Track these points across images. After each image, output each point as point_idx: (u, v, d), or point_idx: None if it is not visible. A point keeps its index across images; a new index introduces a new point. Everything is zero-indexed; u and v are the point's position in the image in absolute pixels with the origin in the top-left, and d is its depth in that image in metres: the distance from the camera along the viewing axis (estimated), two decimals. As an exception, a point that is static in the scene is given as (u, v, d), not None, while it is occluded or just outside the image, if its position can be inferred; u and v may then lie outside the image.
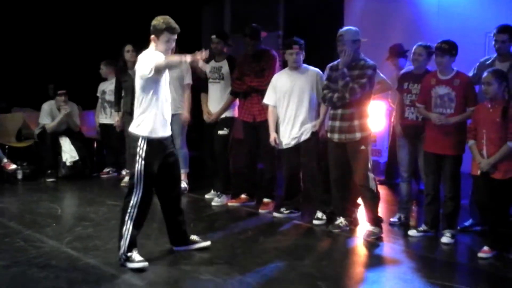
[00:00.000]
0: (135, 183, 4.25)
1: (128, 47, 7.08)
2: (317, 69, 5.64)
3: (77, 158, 7.72)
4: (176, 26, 4.31)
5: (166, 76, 4.41)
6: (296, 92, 5.58)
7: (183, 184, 6.85)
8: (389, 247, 4.97)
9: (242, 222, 5.66)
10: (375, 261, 4.68)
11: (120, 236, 4.25)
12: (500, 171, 4.58)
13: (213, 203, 6.29)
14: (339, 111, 5.17)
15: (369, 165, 5.13)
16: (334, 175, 5.32)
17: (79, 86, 8.28)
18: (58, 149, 7.77)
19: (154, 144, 4.28)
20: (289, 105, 5.62)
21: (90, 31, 9.05)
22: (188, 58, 4.10)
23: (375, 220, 5.19)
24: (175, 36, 4.33)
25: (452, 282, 4.12)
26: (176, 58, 4.21)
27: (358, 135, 5.12)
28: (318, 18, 8.77)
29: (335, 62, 5.26)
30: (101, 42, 8.61)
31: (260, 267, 4.33)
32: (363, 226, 5.34)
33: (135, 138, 4.29)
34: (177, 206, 4.62)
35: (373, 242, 5.03)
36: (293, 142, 5.64)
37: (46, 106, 7.89)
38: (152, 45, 4.33)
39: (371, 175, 5.13)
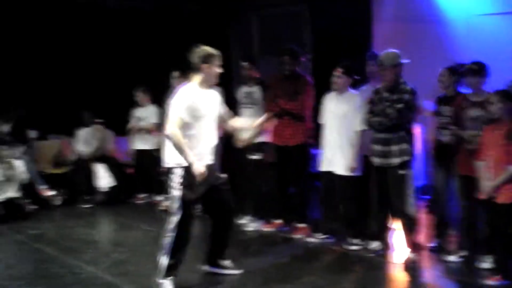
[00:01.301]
0: (173, 209, 4.32)
1: (176, 73, 6.99)
2: (358, 94, 5.56)
3: (112, 184, 7.82)
4: (216, 52, 4.42)
5: (204, 113, 4.42)
6: (340, 117, 5.54)
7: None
8: (428, 273, 4.88)
9: (277, 248, 5.64)
10: (413, 286, 4.59)
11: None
12: (503, 195, 4.46)
13: (247, 228, 6.28)
14: (382, 135, 5.13)
15: (409, 190, 5.07)
16: (375, 198, 5.26)
17: (112, 112, 8.39)
18: (94, 176, 7.89)
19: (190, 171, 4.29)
20: (334, 129, 5.60)
21: (121, 57, 9.19)
22: (196, 167, 4.21)
23: (413, 245, 5.12)
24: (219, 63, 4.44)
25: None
26: (188, 154, 4.23)
27: (397, 160, 5.07)
28: (347, 38, 8.75)
29: (378, 86, 5.24)
30: (131, 68, 8.74)
31: (295, 292, 4.31)
32: (399, 251, 5.27)
33: (171, 168, 4.36)
34: (227, 223, 4.73)
35: (411, 268, 4.95)
36: (334, 169, 5.58)
37: (82, 133, 8.04)
38: (198, 76, 4.40)
39: (410, 200, 5.07)
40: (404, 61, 5.12)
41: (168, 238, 4.28)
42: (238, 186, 6.73)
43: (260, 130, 6.32)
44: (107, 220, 7.28)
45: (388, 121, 5.01)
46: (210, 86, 4.48)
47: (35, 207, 7.37)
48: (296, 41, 8.08)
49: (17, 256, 5.48)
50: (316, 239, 5.75)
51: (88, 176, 7.88)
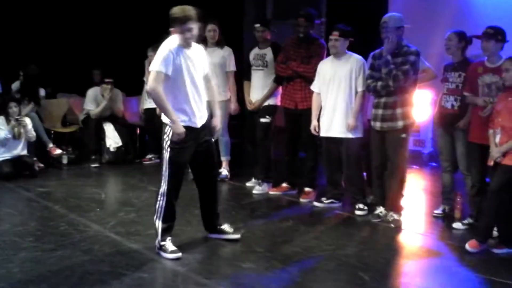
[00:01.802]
0: (163, 172, 4.26)
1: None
2: (360, 57, 5.52)
3: (120, 144, 7.83)
4: (192, 13, 4.17)
5: (187, 71, 4.22)
6: (336, 80, 5.49)
7: (224, 172, 6.89)
8: (433, 240, 4.88)
9: (283, 211, 5.64)
10: (418, 253, 4.59)
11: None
12: (507, 158, 4.39)
13: (254, 191, 6.28)
14: (383, 99, 5.12)
15: (406, 155, 5.08)
16: (376, 162, 5.28)
17: (123, 72, 8.35)
18: (102, 135, 7.89)
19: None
20: (330, 93, 5.55)
21: (134, 16, 9.11)
22: (176, 126, 4.14)
23: (398, 207, 5.22)
24: (190, 26, 4.16)
25: (498, 276, 4.01)
26: (169, 111, 4.15)
27: (400, 123, 5.07)
28: (362, 5, 8.62)
29: (378, 50, 5.19)
30: (143, 27, 8.65)
31: (301, 256, 4.31)
32: (407, 216, 5.29)
33: (164, 126, 4.27)
34: (211, 193, 4.60)
35: (416, 235, 4.96)
36: (332, 134, 5.56)
37: (91, 92, 8.01)
38: (174, 36, 4.22)
39: (405, 166, 5.14)
40: (407, 25, 5.07)
41: (159, 202, 4.25)
42: (248, 149, 6.74)
43: (270, 94, 6.32)
44: (115, 180, 7.31)
45: (395, 84, 4.95)
46: (190, 44, 4.26)
47: (43, 165, 7.41)
48: (311, 6, 7.95)
49: (25, 213, 5.53)
50: (322, 203, 5.75)
51: (97, 135, 7.88)
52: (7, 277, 3.81)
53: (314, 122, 5.67)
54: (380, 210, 5.29)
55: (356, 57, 5.51)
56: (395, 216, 5.18)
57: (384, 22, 5.06)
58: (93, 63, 8.70)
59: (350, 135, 5.46)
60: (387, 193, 5.25)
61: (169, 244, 4.24)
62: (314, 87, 5.70)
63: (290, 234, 4.85)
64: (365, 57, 5.53)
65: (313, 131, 5.68)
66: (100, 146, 7.89)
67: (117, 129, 7.90)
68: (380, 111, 5.13)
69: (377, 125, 5.18)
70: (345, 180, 5.74)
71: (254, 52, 6.48)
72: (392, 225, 5.11)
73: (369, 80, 5.19)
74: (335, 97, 5.50)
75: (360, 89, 5.43)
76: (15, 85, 7.98)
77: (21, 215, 5.41)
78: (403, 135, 5.10)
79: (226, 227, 4.66)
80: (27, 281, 3.75)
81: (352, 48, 5.65)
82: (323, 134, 5.63)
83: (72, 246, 4.42)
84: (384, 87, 5.02)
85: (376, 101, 5.20)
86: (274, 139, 6.42)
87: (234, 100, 6.71)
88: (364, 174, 5.69)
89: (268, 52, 6.37)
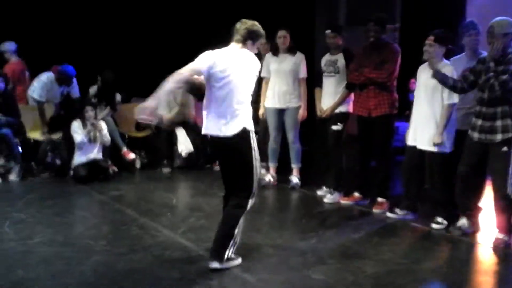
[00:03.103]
0: (250, 182, 4.13)
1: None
2: (451, 66, 5.20)
3: (192, 149, 7.88)
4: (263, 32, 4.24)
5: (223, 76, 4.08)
6: (427, 89, 5.24)
7: (295, 179, 6.81)
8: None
9: (355, 221, 5.49)
10: (502, 271, 4.32)
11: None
12: None
13: (325, 200, 6.16)
14: (483, 109, 4.82)
15: (510, 170, 4.76)
16: (463, 172, 4.97)
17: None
18: (174, 140, 7.97)
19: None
20: (419, 102, 5.33)
21: (211, 19, 9.18)
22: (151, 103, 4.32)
23: (506, 228, 4.83)
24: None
25: None
26: (160, 93, 4.30)
27: (499, 136, 4.76)
28: (437, 10, 8.35)
29: (485, 54, 4.90)
30: (217, 31, 8.70)
31: (374, 269, 4.16)
32: (488, 232, 5.00)
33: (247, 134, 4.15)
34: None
35: (502, 251, 4.67)
36: (416, 144, 5.33)
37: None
38: (237, 45, 4.18)
39: (510, 180, 4.76)
40: None
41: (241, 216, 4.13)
42: (319, 157, 6.63)
43: (342, 100, 6.19)
44: (186, 185, 7.37)
45: (490, 94, 4.70)
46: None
47: (117, 169, 7.56)
48: (385, 11, 7.79)
49: (99, 216, 5.64)
50: (395, 215, 5.55)
51: (169, 140, 7.97)
52: (80, 280, 3.88)
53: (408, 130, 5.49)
54: (463, 221, 5.03)
55: (447, 67, 5.19)
56: (503, 238, 4.80)
57: (490, 27, 4.76)
58: (168, 67, 8.81)
59: (434, 149, 5.22)
60: (497, 213, 4.89)
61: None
62: (415, 93, 5.50)
63: (362, 246, 4.71)
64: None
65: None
66: (172, 151, 7.98)
67: (188, 134, 7.96)
68: (479, 122, 4.84)
69: (475, 135, 4.87)
70: (428, 193, 5.48)
71: (326, 58, 6.38)
72: (501, 246, 4.75)
73: (463, 82, 4.95)
74: (423, 106, 5.28)
75: (446, 102, 5.15)
76: (92, 90, 8.19)
77: (94, 218, 5.52)
78: (504, 149, 4.74)
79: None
80: (99, 285, 3.80)
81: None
82: (410, 142, 5.41)
83: (143, 251, 4.46)
84: (481, 97, 4.79)
85: (476, 109, 4.91)
86: (346, 147, 6.27)
87: (305, 106, 6.63)
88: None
89: (340, 58, 6.25)
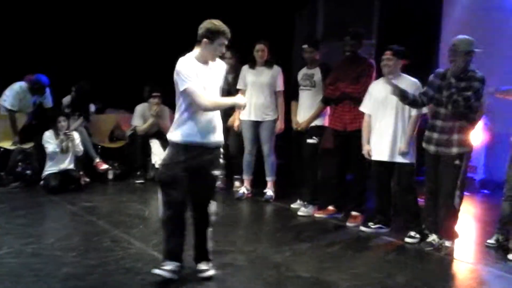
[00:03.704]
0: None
1: (227, 54, 6.69)
2: (415, 80, 5.33)
3: (166, 161, 7.80)
4: (223, 29, 3.95)
5: (205, 85, 3.97)
6: (389, 102, 5.30)
7: (270, 192, 6.78)
8: (486, 271, 4.64)
9: (329, 235, 5.47)
10: (471, 284, 4.35)
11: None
12: None
13: (299, 213, 6.14)
14: (439, 123, 4.91)
15: (458, 182, 4.86)
16: (429, 188, 5.07)
17: (171, 89, 8.35)
18: (148, 151, 7.89)
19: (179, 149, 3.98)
20: (382, 116, 5.38)
21: (184, 33, 9.15)
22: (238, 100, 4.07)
23: (451, 235, 5.01)
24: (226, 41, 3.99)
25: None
26: (227, 101, 4.14)
27: (454, 150, 4.85)
28: (414, 26, 8.46)
29: (442, 70, 5.00)
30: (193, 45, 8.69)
31: (348, 283, 4.13)
32: (461, 247, 5.05)
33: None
34: (204, 218, 4.17)
35: (469, 265, 4.72)
36: (382, 158, 5.37)
37: (139, 108, 8.04)
38: (199, 49, 3.99)
39: (457, 192, 4.88)
40: (478, 49, 4.83)
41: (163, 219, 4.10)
42: (295, 170, 6.62)
43: (318, 114, 6.20)
44: (158, 197, 7.25)
45: (453, 109, 4.76)
46: (207, 61, 4.02)
47: (89, 179, 7.44)
48: (362, 26, 7.87)
49: (70, 228, 5.52)
50: (369, 228, 5.55)
51: (143, 151, 7.89)
52: (49, 292, 3.77)
53: (366, 146, 5.49)
54: (433, 238, 5.07)
55: (410, 80, 5.32)
56: (448, 244, 4.96)
57: (453, 45, 4.82)
58: (143, 79, 8.75)
59: (401, 160, 5.27)
60: (441, 220, 5.02)
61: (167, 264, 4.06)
62: (364, 108, 5.54)
63: (336, 260, 4.68)
64: (419, 79, 5.35)
65: (366, 155, 5.50)
66: (146, 163, 7.90)
67: (163, 145, 7.88)
68: (435, 135, 4.94)
69: (431, 148, 4.98)
70: (397, 206, 5.51)
71: (303, 72, 6.39)
72: (443, 254, 4.88)
73: (422, 96, 4.99)
74: (387, 119, 5.33)
75: (414, 113, 5.24)
76: (66, 100, 8.08)
77: (65, 229, 5.41)
78: (457, 162, 4.86)
79: (203, 265, 4.17)
80: (68, 298, 3.71)
81: (405, 71, 5.48)
82: (375, 157, 5.44)
83: (115, 263, 4.37)
84: (444, 112, 4.85)
85: (431, 122, 5.02)
86: (322, 161, 6.27)
87: (282, 118, 6.62)
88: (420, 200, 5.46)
89: (317, 72, 6.27)
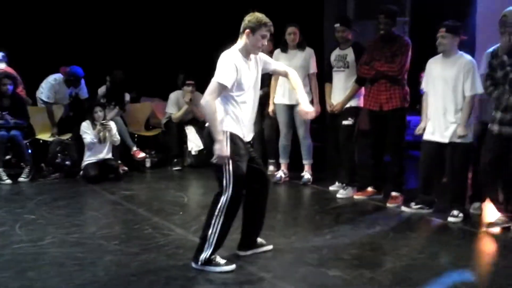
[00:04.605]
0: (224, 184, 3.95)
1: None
2: (470, 58, 5.14)
3: (202, 147, 7.82)
4: (266, 21, 3.90)
5: (246, 86, 3.93)
6: (442, 81, 5.16)
7: (307, 175, 6.75)
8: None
9: (369, 216, 5.42)
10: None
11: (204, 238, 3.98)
12: None
13: (338, 195, 6.09)
14: (502, 102, 4.72)
15: None
16: (488, 163, 4.84)
17: (206, 75, 8.34)
18: (184, 138, 7.93)
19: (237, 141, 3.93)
20: (435, 95, 5.24)
21: (220, 19, 9.12)
22: (219, 147, 3.78)
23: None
24: (269, 34, 3.93)
25: None
26: (217, 131, 3.79)
27: None
28: (448, 3, 8.25)
29: (495, 47, 4.80)
30: (228, 31, 8.64)
31: (391, 264, 4.08)
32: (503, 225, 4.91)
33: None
34: (261, 211, 4.23)
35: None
36: (435, 138, 5.24)
37: (173, 96, 8.07)
38: (242, 41, 3.93)
39: None
40: None
41: (218, 213, 3.95)
42: (331, 153, 6.56)
43: (352, 95, 6.11)
44: (197, 184, 7.32)
45: (509, 88, 4.58)
46: (250, 55, 3.98)
47: (127, 168, 7.51)
48: (395, 4, 7.73)
49: (110, 216, 5.59)
50: (410, 209, 5.47)
51: (179, 139, 7.92)
52: (93, 280, 3.81)
53: (422, 124, 5.39)
54: (498, 217, 4.91)
55: (466, 58, 5.13)
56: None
57: (503, 16, 4.63)
58: (177, 67, 8.76)
59: (456, 140, 5.14)
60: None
61: (219, 258, 3.99)
62: (423, 86, 5.43)
63: (378, 241, 4.63)
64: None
65: (416, 132, 5.41)
66: (182, 150, 7.93)
67: (198, 132, 7.91)
68: (499, 114, 4.75)
69: (495, 128, 4.79)
70: (448, 186, 5.37)
71: (335, 53, 6.30)
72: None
73: (488, 82, 4.83)
74: (441, 99, 5.20)
75: (468, 93, 5.07)
76: (101, 90, 8.16)
77: (106, 218, 5.47)
78: None
79: (260, 240, 4.32)
80: (112, 285, 3.74)
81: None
82: (427, 137, 5.32)
83: (156, 250, 4.40)
84: (502, 94, 4.68)
85: (496, 102, 4.82)
86: (358, 142, 6.21)
87: (317, 101, 6.55)
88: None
89: (350, 53, 6.17)
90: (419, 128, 5.38)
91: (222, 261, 3.97)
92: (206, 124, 4.00)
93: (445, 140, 5.16)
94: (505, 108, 4.70)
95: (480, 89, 5.01)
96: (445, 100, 5.16)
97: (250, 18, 3.92)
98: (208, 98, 3.80)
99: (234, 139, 3.92)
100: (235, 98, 3.92)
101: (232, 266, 3.96)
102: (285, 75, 4.26)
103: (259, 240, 4.33)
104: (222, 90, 3.83)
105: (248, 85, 3.94)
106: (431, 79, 5.29)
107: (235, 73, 3.84)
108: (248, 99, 3.98)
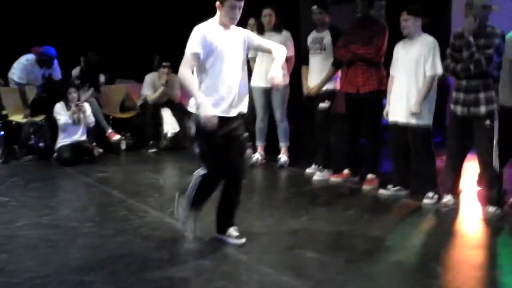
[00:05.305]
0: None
1: (251, 20, 6.70)
2: (431, 38, 5.18)
3: (178, 129, 7.78)
4: None
5: (224, 48, 3.85)
6: (406, 62, 5.20)
7: (284, 158, 6.75)
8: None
9: (345, 199, 5.45)
10: (494, 245, 4.30)
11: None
12: None
13: (314, 178, 6.11)
14: (464, 82, 4.80)
15: (494, 142, 4.74)
16: (453, 149, 4.99)
17: (181, 57, 8.27)
18: (159, 121, 7.87)
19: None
20: (398, 77, 5.28)
21: (196, 3, 9.03)
22: (204, 110, 3.69)
23: (496, 200, 4.82)
24: (241, 3, 3.83)
25: None
26: (197, 95, 3.72)
27: (483, 108, 4.73)
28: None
29: (459, 29, 4.86)
30: (204, 12, 8.57)
31: (367, 245, 4.10)
32: (476, 207, 4.99)
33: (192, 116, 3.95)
34: (235, 195, 4.11)
35: (494, 224, 4.64)
36: (397, 119, 5.29)
37: (148, 78, 7.99)
38: (217, 14, 3.89)
39: (495, 153, 4.74)
40: (494, 7, 4.72)
41: (191, 190, 4.03)
42: (307, 135, 6.57)
43: (329, 78, 6.11)
44: (172, 166, 7.28)
45: (476, 69, 4.64)
46: (227, 26, 3.89)
47: (102, 150, 7.44)
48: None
49: (84, 199, 5.54)
50: (386, 191, 5.50)
51: (154, 121, 7.86)
52: (67, 263, 3.77)
53: (387, 108, 5.42)
54: (448, 198, 5.02)
55: (427, 39, 5.18)
56: (496, 210, 4.79)
57: (469, 1, 4.71)
58: (152, 49, 8.66)
59: (415, 122, 5.18)
60: (485, 186, 4.94)
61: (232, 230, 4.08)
62: (391, 70, 5.44)
63: (354, 223, 4.65)
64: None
65: (385, 117, 5.43)
66: (158, 132, 7.88)
67: (174, 114, 7.86)
68: (461, 95, 4.82)
69: (458, 109, 4.85)
70: (414, 168, 5.41)
71: (312, 36, 6.28)
72: (494, 218, 4.74)
73: (448, 60, 4.89)
74: (403, 80, 5.23)
75: (428, 73, 5.11)
76: (75, 71, 8.04)
77: (80, 200, 5.42)
78: (488, 122, 4.74)
79: (232, 230, 4.14)
80: (87, 268, 3.70)
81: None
82: (391, 118, 5.36)
83: (132, 232, 4.37)
84: (464, 70, 4.72)
85: (456, 82, 4.90)
86: (334, 125, 6.21)
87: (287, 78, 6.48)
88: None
89: (326, 36, 6.16)
90: (385, 112, 5.41)
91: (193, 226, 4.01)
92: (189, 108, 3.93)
93: (406, 120, 5.20)
94: (467, 89, 4.80)
95: (440, 70, 5.06)
96: (408, 82, 5.19)
97: None
98: (181, 69, 3.76)
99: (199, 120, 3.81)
100: (209, 68, 3.82)
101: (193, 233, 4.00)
102: (269, 51, 4.11)
103: (231, 230, 4.13)
104: (194, 59, 3.77)
105: (224, 54, 3.84)
106: (395, 63, 5.33)
107: (205, 41, 3.77)
108: (226, 70, 3.84)
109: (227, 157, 3.92)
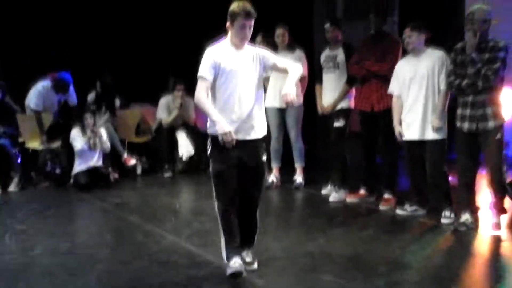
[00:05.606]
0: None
1: (259, 38, 6.58)
2: (442, 52, 5.16)
3: (193, 152, 7.78)
4: (252, 10, 3.80)
5: (236, 69, 3.83)
6: (418, 79, 5.17)
7: (299, 179, 6.72)
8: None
9: (362, 219, 5.41)
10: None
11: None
12: None
13: (330, 198, 6.07)
14: (470, 98, 4.76)
15: (502, 157, 4.70)
16: (463, 165, 4.92)
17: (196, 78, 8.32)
18: (174, 144, 7.88)
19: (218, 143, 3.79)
20: (411, 94, 5.23)
21: (207, 23, 9.08)
22: (220, 126, 3.68)
23: (499, 211, 4.85)
24: (251, 22, 3.83)
25: None
26: (212, 113, 3.73)
27: (491, 123, 4.69)
28: (436, 2, 8.28)
29: (460, 44, 4.83)
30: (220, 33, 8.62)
31: (385, 267, 4.04)
32: (491, 223, 4.92)
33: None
34: (249, 219, 4.06)
35: (510, 244, 4.58)
36: (414, 136, 5.24)
37: (163, 101, 8.03)
38: (228, 34, 3.90)
39: (504, 167, 4.70)
40: (494, 20, 4.72)
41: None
42: (322, 155, 6.54)
43: (343, 96, 6.08)
44: (188, 189, 7.29)
45: (484, 84, 4.60)
46: (239, 46, 3.87)
47: (118, 175, 7.47)
48: (382, 3, 7.73)
49: (102, 224, 5.55)
50: (404, 211, 5.44)
51: (169, 144, 7.88)
52: (85, 290, 3.77)
53: (397, 128, 5.36)
54: (466, 217, 4.92)
55: (437, 52, 5.16)
56: (498, 220, 4.85)
57: (470, 14, 4.70)
58: (167, 72, 8.71)
59: (433, 137, 5.13)
60: (494, 201, 4.90)
61: (233, 262, 3.85)
62: (392, 89, 5.40)
63: (371, 244, 4.60)
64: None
65: (398, 137, 5.38)
66: (173, 155, 7.89)
67: (189, 137, 7.87)
68: (468, 111, 4.79)
69: (465, 126, 4.82)
70: (430, 186, 5.36)
71: (325, 54, 6.29)
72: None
73: (451, 77, 4.85)
74: (417, 97, 5.18)
75: (443, 87, 5.08)
76: (91, 97, 8.11)
77: (97, 226, 5.43)
78: (497, 136, 4.70)
79: (245, 255, 4.03)
80: (104, 295, 3.70)
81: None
82: (407, 137, 5.30)
83: (148, 258, 4.35)
84: (470, 86, 4.69)
85: (462, 99, 4.86)
86: (350, 144, 6.17)
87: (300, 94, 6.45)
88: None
89: (340, 53, 6.15)
90: (398, 133, 5.35)
91: (232, 262, 3.83)
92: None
93: (422, 137, 5.17)
94: (472, 104, 4.77)
95: None
96: (425, 98, 5.14)
97: (229, 10, 3.86)
98: (196, 93, 3.79)
99: (214, 141, 3.84)
100: (220, 89, 3.82)
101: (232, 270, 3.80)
102: (285, 71, 4.04)
103: (244, 254, 4.01)
104: (206, 83, 3.78)
105: (234, 75, 3.82)
106: (402, 81, 5.28)
107: (214, 63, 3.78)
108: (238, 90, 3.81)
109: (236, 183, 3.87)
